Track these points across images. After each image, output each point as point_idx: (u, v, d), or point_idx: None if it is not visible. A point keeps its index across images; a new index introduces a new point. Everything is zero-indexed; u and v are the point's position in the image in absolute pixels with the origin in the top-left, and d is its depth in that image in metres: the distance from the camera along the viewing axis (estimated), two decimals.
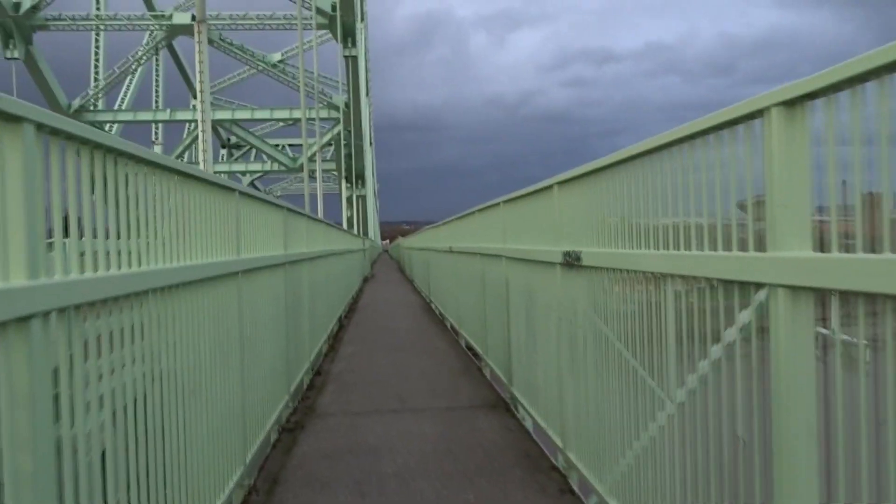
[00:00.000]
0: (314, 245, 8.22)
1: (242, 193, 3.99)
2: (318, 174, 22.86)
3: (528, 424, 5.29)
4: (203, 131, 11.27)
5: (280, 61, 39.52)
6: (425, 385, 6.81)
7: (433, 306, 14.85)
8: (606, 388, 3.38)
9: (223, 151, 61.07)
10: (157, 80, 45.10)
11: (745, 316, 2.02)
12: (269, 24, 33.73)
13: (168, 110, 39.32)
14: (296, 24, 33.06)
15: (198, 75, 10.43)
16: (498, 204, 5.99)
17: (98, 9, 34.98)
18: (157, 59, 43.60)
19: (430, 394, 6.41)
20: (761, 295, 1.96)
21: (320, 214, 19.32)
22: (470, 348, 8.80)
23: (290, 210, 5.99)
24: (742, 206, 2.18)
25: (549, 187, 4.20)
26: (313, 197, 26.91)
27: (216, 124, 46.10)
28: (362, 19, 50.48)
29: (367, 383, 7.00)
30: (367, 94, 62.92)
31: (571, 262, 3.74)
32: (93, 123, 37.10)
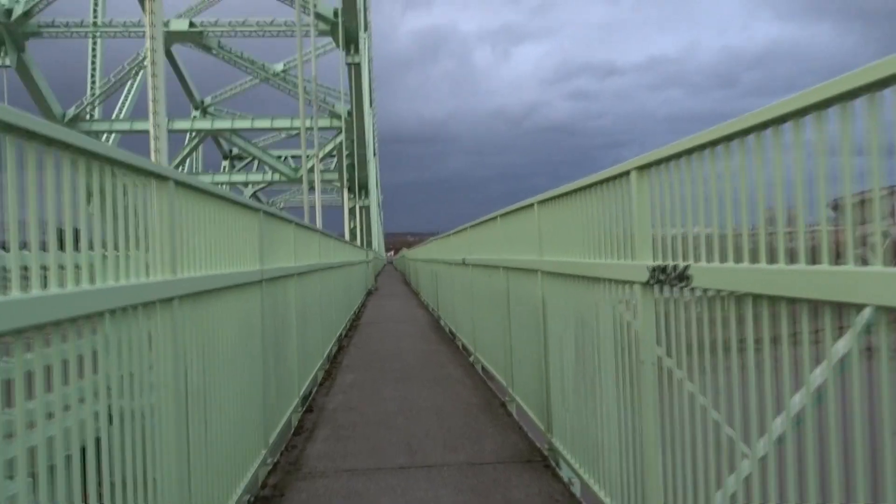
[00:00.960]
0: (306, 257, 7.00)
1: (181, 184, 2.76)
2: (316, 182, 21.67)
3: (577, 489, 4.04)
4: (154, 88, 10.12)
5: (283, 71, 38.52)
6: (439, 428, 5.55)
7: (442, 323, 13.60)
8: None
9: (225, 163, 60.17)
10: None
11: None
12: (269, 31, 32.72)
13: (166, 119, 38.20)
14: (298, 31, 32.06)
15: (148, 41, 9.23)
16: (531, 205, 4.76)
17: (95, 15, 34.01)
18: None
19: (445, 442, 5.15)
20: None
21: (319, 224, 18.12)
22: (487, 373, 7.57)
23: (268, 214, 4.75)
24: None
25: (622, 175, 2.96)
26: (315, 208, 25.78)
27: (217, 135, 45.15)
28: (366, 29, 49.64)
29: (368, 424, 5.74)
30: (371, 105, 62.00)
31: (669, 281, 2.50)
32: (88, 133, 36.08)
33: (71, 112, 36.06)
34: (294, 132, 52.86)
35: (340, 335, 11.53)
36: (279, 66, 38.41)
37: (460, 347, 10.11)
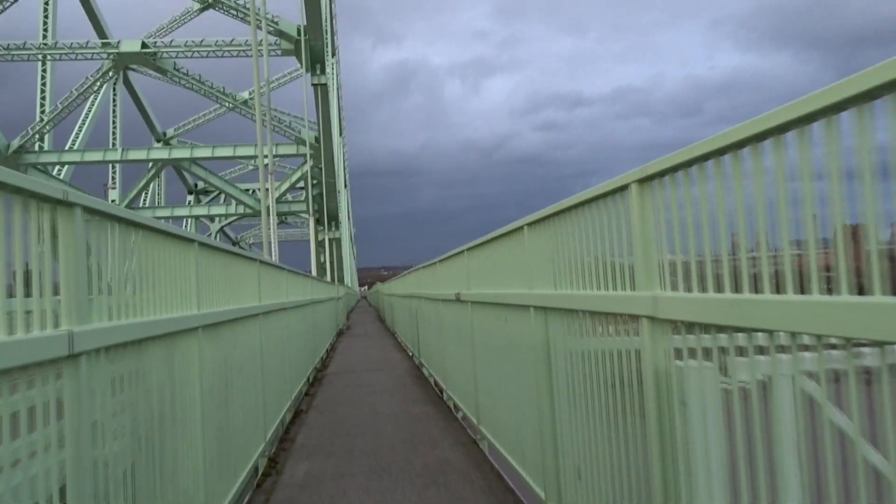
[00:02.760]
0: (226, 299, 4.66)
1: None
2: (271, 209, 19.18)
3: None
4: None
5: (250, 98, 36.22)
6: None
7: (425, 371, 11.24)
8: None
9: (190, 198, 57.48)
10: (114, 119, 41.36)
11: None
12: (228, 51, 30.45)
13: (120, 149, 35.62)
14: (260, 51, 29.87)
15: None
16: (619, 189, 2.49)
17: (45, 38, 31.42)
18: (114, 96, 40.12)
19: None
20: None
21: (275, 257, 15.66)
22: (496, 453, 5.26)
23: (98, 215, 2.40)
24: None
25: None
26: (289, 244, 23.36)
27: (178, 166, 42.60)
28: (333, 54, 47.92)
29: None
30: (341, 134, 60.05)
31: None
32: (34, 165, 33.29)
33: (16, 143, 33.29)
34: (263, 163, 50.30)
35: (300, 392, 9.11)
36: (245, 94, 36.16)
37: (452, 408, 7.77)
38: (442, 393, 9.16)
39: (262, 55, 22.87)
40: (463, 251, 6.16)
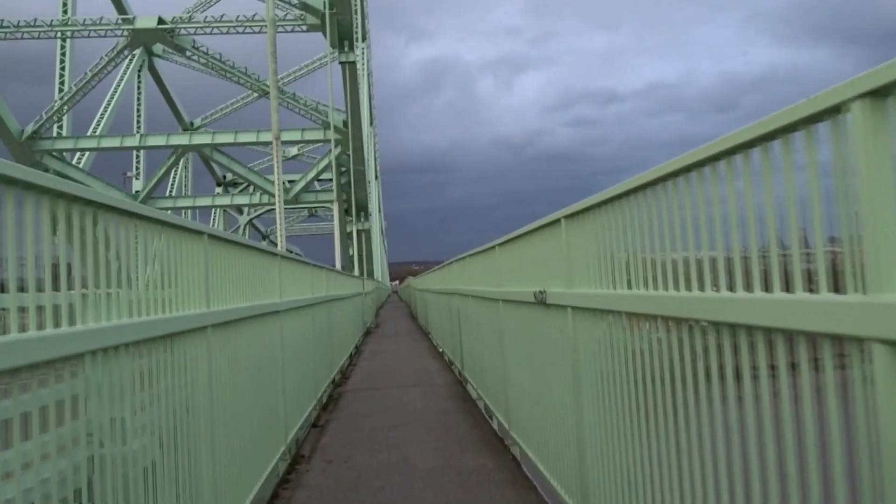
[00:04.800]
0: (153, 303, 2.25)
1: None
2: (277, 175, 16.78)
3: None
4: None
5: (279, 82, 34.04)
6: None
7: (469, 389, 8.84)
8: None
9: (218, 189, 55.75)
10: (138, 108, 39.56)
11: None
12: (250, 26, 28.22)
13: (138, 136, 33.70)
14: (284, 26, 27.71)
15: None
16: None
17: (65, 13, 29.46)
18: (138, 83, 38.31)
19: None
20: None
21: (281, 244, 13.32)
22: None
23: None
24: None
25: None
26: (318, 237, 21.17)
27: (207, 157, 40.73)
28: (364, 39, 45.69)
29: None
30: (372, 124, 57.82)
31: None
32: (48, 152, 31.49)
33: (30, 129, 31.50)
34: (291, 155, 48.39)
35: (306, 420, 6.75)
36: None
37: (518, 456, 5.32)
38: (491, 418, 6.76)
39: (291, 31, 20.63)
40: (558, 220, 3.63)
